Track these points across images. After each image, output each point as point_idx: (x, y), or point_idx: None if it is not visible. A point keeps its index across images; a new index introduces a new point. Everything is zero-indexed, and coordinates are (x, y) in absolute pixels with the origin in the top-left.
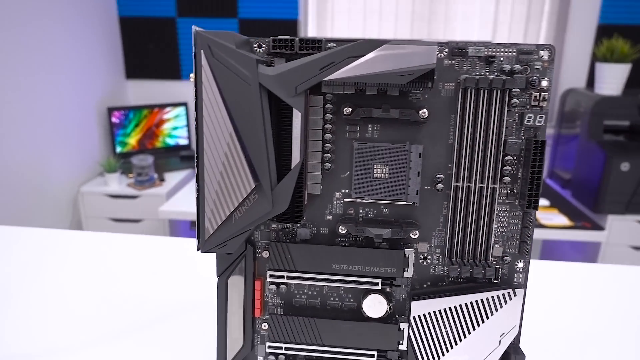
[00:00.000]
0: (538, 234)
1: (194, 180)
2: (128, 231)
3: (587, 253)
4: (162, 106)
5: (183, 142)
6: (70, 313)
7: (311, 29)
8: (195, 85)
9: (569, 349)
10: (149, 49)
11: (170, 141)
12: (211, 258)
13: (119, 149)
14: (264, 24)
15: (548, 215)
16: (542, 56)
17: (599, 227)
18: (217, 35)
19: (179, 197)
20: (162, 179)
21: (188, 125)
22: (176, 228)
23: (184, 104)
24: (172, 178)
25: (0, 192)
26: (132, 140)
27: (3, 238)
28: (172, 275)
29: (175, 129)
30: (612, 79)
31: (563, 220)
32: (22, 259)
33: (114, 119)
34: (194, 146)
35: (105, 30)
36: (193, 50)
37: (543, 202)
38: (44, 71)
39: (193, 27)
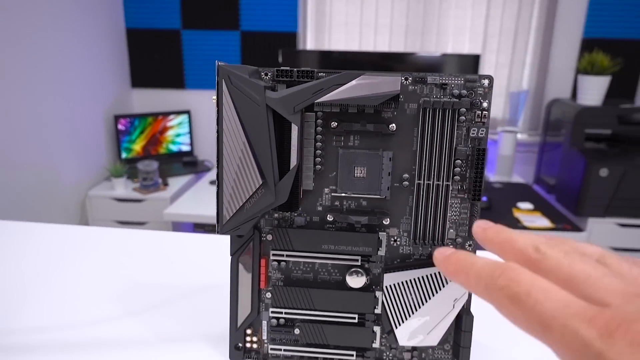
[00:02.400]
0: None
1: (198, 184)
2: None
3: None
4: (166, 114)
5: (186, 148)
6: (99, 294)
7: (310, 41)
8: (217, 106)
9: None
10: (154, 59)
11: (174, 147)
12: (217, 251)
13: (124, 155)
14: (265, 36)
15: (531, 218)
16: (484, 84)
17: (578, 229)
18: (235, 68)
19: (182, 200)
20: (165, 184)
21: (190, 133)
22: (179, 230)
23: (187, 112)
24: (176, 183)
25: (12, 195)
26: (137, 147)
27: (21, 233)
28: (188, 263)
29: (178, 135)
30: (593, 90)
31: (545, 222)
32: (39, 252)
33: (120, 126)
34: (196, 152)
35: (112, 41)
36: (216, 79)
37: (527, 205)
38: (55, 80)
39: (217, 62)
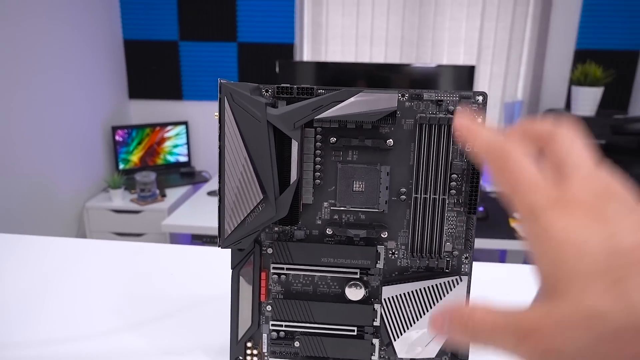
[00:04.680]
0: (519, 245)
1: (195, 195)
2: None
3: None
4: (164, 125)
5: (183, 159)
6: (98, 307)
7: (306, 53)
8: (219, 122)
9: None
10: (151, 71)
11: (171, 158)
12: (217, 262)
13: (121, 166)
14: (262, 47)
15: None
16: (478, 100)
17: None
18: (236, 86)
19: (180, 211)
20: (163, 195)
21: (188, 143)
22: (177, 241)
23: (185, 123)
24: (173, 194)
25: (10, 206)
26: (134, 158)
27: (19, 246)
28: (188, 275)
29: (175, 146)
30: (586, 101)
31: None
32: (36, 265)
33: (117, 137)
34: (193, 163)
35: (110, 53)
36: (218, 96)
37: None
38: (53, 91)
39: (219, 79)
